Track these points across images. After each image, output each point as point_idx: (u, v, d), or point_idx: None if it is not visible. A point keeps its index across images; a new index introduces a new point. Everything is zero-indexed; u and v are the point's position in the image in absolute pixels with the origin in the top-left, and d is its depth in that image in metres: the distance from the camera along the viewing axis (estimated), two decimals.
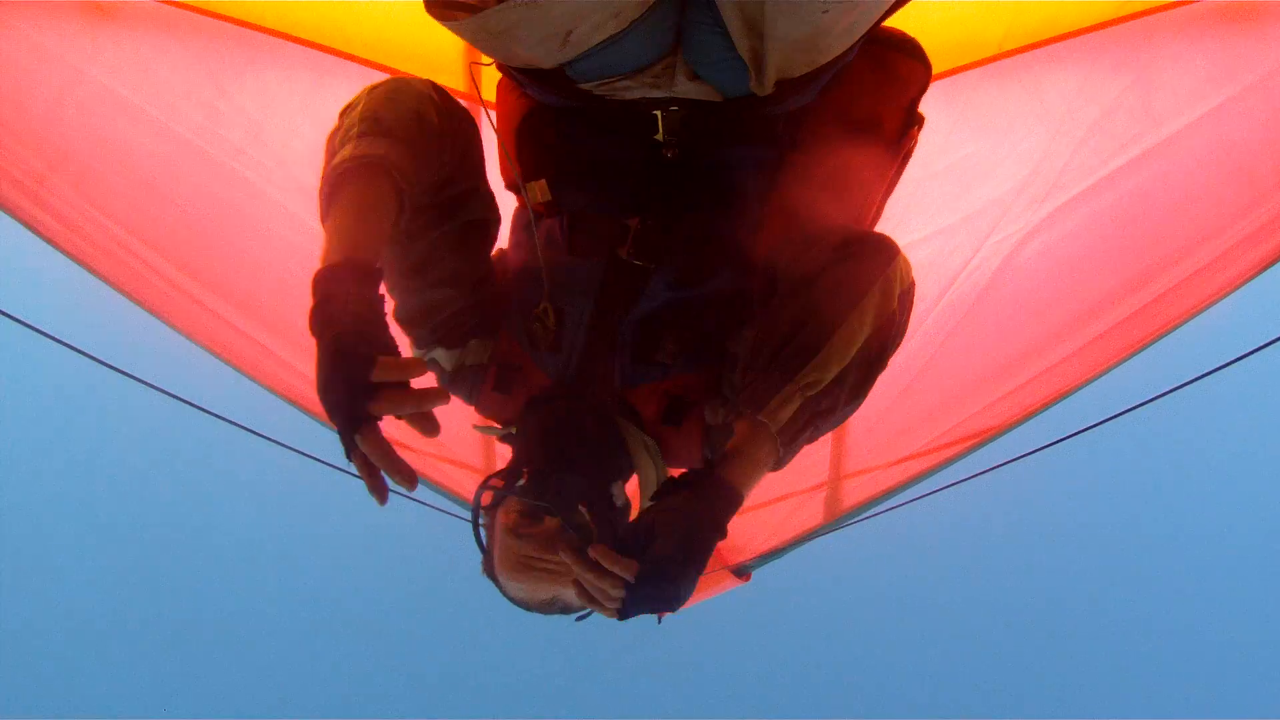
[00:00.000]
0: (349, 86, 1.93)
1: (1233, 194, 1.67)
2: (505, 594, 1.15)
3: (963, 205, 1.96)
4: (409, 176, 0.95)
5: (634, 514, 1.16)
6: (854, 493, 2.22)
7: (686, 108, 1.05)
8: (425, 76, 1.96)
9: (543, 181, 1.15)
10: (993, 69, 1.84)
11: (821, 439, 2.33)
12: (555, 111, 1.15)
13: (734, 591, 2.56)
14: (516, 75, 1.08)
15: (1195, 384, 1.49)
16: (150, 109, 1.70)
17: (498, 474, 1.17)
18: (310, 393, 1.85)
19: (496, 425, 1.28)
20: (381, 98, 1.04)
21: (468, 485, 2.28)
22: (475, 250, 1.20)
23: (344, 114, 1.05)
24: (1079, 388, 1.79)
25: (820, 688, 12.88)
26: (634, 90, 0.99)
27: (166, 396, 1.58)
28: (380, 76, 1.96)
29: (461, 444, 2.30)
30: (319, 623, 12.76)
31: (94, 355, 1.44)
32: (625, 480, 1.18)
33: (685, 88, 0.99)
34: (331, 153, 0.99)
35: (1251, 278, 1.53)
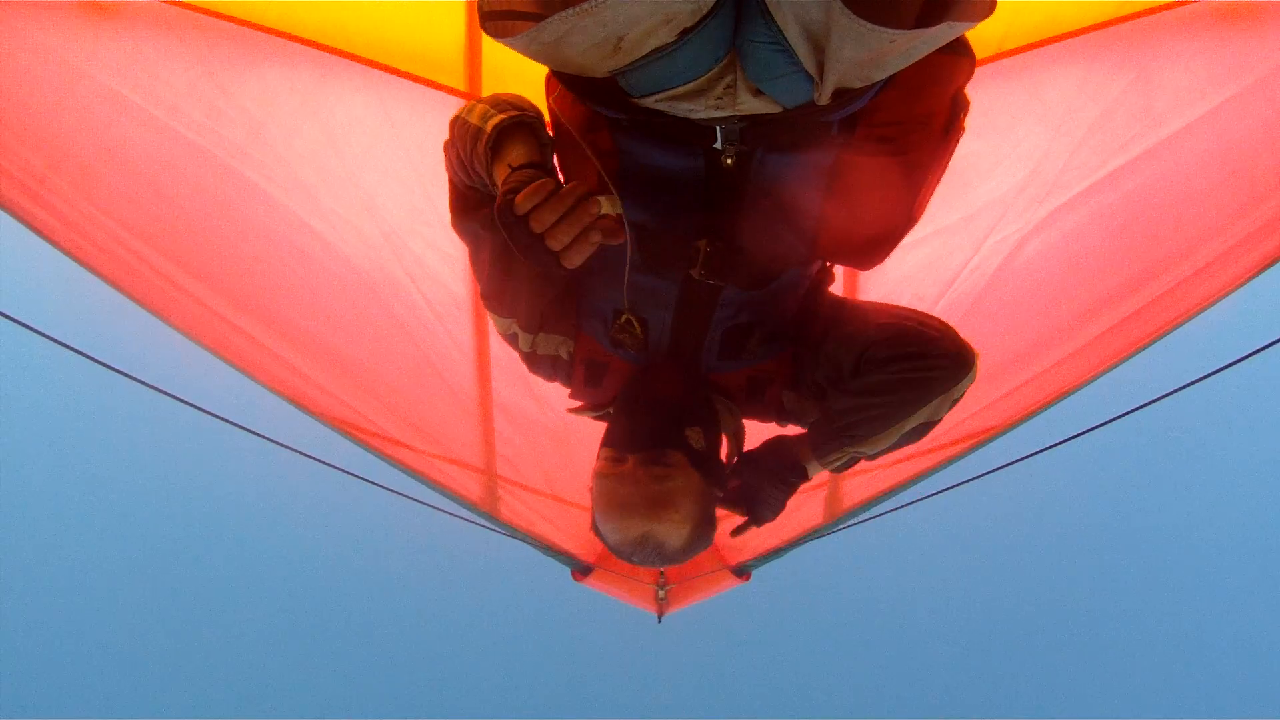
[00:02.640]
0: (350, 85, 1.95)
1: (1232, 193, 1.67)
2: (606, 543, 1.28)
3: (963, 205, 1.96)
4: (545, 138, 1.16)
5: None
6: (854, 493, 2.22)
7: (745, 119, 1.07)
8: (426, 76, 1.99)
9: (614, 196, 1.18)
10: (993, 69, 1.84)
11: None
12: (612, 120, 1.15)
13: (734, 591, 2.57)
14: (573, 88, 1.10)
15: (1195, 383, 1.49)
16: (151, 108, 1.70)
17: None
18: (310, 391, 1.87)
19: (589, 408, 1.44)
20: (501, 94, 1.22)
21: (468, 485, 2.29)
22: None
23: (458, 121, 1.22)
24: (1079, 387, 1.79)
25: (820, 688, 12.88)
26: (698, 112, 1.01)
27: (165, 396, 1.58)
28: (380, 76, 1.99)
29: (461, 444, 2.31)
30: (318, 622, 12.76)
31: (94, 356, 1.44)
32: (703, 428, 1.30)
33: (749, 104, 0.99)
34: (455, 152, 1.21)
35: (1252, 277, 1.53)
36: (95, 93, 1.64)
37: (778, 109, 1.00)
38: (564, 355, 1.37)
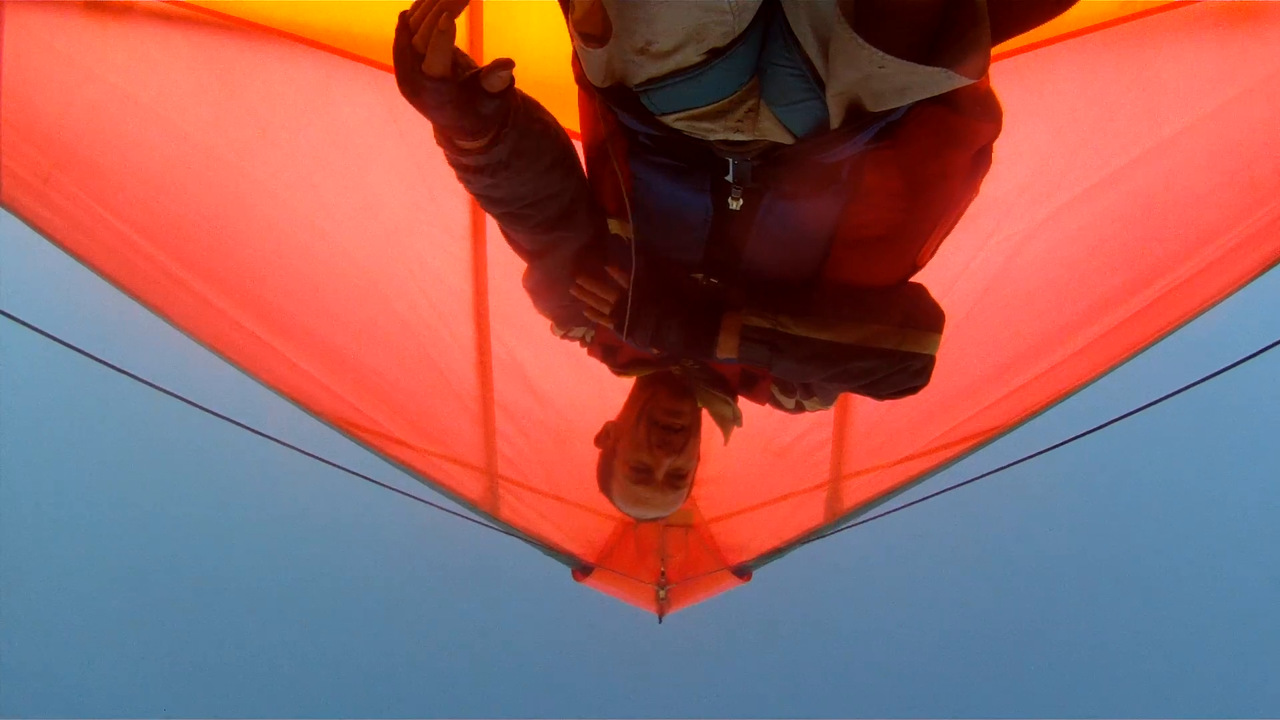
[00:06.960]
0: (355, 86, 1.96)
1: (1234, 195, 1.67)
2: (613, 502, 1.52)
3: None
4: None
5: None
6: (854, 493, 2.22)
7: (757, 157, 1.08)
8: None
9: (628, 224, 1.21)
10: (994, 69, 1.83)
11: (821, 439, 2.35)
12: (631, 143, 1.16)
13: (734, 591, 2.57)
14: (601, 96, 1.08)
15: (1194, 384, 1.49)
16: (159, 107, 1.71)
17: (618, 418, 1.56)
18: (311, 389, 1.88)
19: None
20: None
21: (468, 484, 2.30)
22: (571, 260, 1.35)
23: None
24: (1080, 388, 1.79)
25: (820, 688, 12.87)
26: (717, 133, 1.02)
27: (167, 395, 1.59)
28: (385, 76, 2.00)
29: (462, 443, 2.32)
30: (317, 621, 12.78)
31: (97, 356, 1.45)
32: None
33: (768, 129, 1.00)
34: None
35: (1253, 278, 1.53)
36: (103, 92, 1.65)
37: (789, 139, 1.01)
38: (586, 340, 1.53)
